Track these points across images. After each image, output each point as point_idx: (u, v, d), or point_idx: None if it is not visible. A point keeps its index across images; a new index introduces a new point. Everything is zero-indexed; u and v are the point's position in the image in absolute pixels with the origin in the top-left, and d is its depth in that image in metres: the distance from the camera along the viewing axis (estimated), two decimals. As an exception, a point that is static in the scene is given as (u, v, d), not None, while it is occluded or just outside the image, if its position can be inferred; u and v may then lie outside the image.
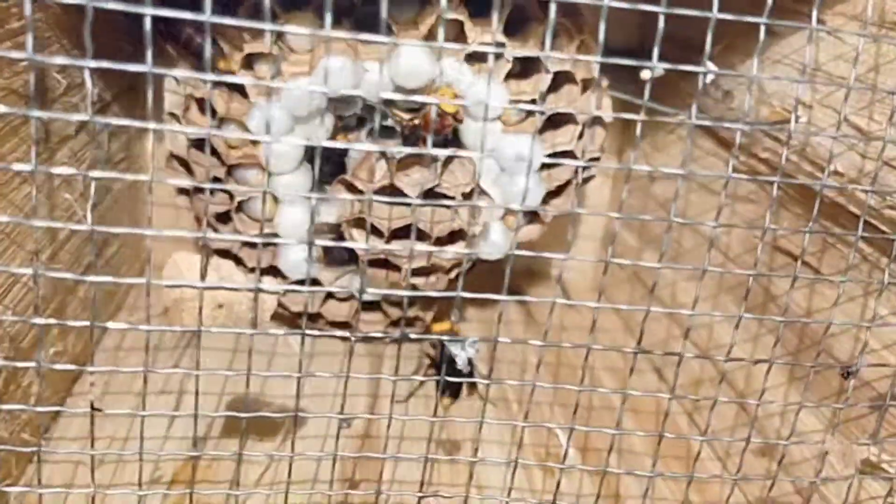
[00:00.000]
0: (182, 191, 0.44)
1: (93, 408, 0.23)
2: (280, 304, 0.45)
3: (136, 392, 0.41)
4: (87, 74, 0.19)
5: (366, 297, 0.40)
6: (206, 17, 0.19)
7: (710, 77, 0.20)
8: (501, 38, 0.39)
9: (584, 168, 0.44)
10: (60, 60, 0.20)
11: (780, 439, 0.33)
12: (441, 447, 0.40)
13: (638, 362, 0.24)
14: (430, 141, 0.23)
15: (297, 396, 0.23)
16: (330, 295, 0.46)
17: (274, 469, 0.36)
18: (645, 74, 0.20)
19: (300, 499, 0.32)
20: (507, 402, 0.46)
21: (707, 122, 0.22)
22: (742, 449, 0.28)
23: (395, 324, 0.47)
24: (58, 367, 0.34)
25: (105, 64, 0.20)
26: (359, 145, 0.38)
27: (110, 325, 0.24)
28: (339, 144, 0.28)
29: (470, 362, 0.23)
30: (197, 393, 0.23)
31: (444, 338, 0.22)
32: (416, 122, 0.39)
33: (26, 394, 0.35)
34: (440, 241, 0.40)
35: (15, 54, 0.20)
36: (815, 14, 0.23)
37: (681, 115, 0.18)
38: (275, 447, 0.37)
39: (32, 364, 0.23)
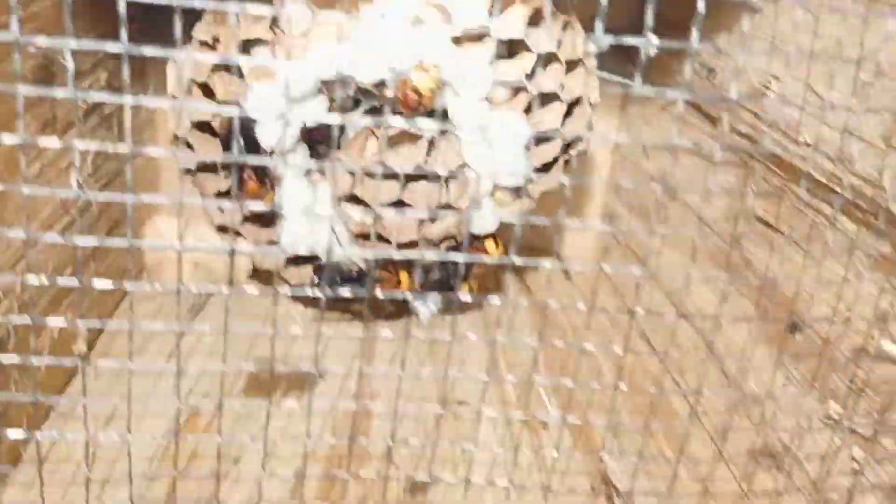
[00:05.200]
0: (187, 171, 0.46)
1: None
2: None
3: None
4: (67, 54, 0.21)
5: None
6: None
7: (652, 51, 0.22)
8: (486, 21, 0.41)
9: (569, 146, 0.46)
10: (42, 41, 0.22)
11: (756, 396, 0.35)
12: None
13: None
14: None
15: (315, 357, 0.25)
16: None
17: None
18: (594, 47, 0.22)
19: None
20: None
21: (649, 92, 0.24)
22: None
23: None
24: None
25: (85, 44, 0.21)
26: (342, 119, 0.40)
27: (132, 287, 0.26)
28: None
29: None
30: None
31: (409, 294, 0.24)
32: (391, 95, 0.40)
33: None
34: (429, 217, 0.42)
35: (2, 35, 0.21)
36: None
37: (630, 84, 0.20)
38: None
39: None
